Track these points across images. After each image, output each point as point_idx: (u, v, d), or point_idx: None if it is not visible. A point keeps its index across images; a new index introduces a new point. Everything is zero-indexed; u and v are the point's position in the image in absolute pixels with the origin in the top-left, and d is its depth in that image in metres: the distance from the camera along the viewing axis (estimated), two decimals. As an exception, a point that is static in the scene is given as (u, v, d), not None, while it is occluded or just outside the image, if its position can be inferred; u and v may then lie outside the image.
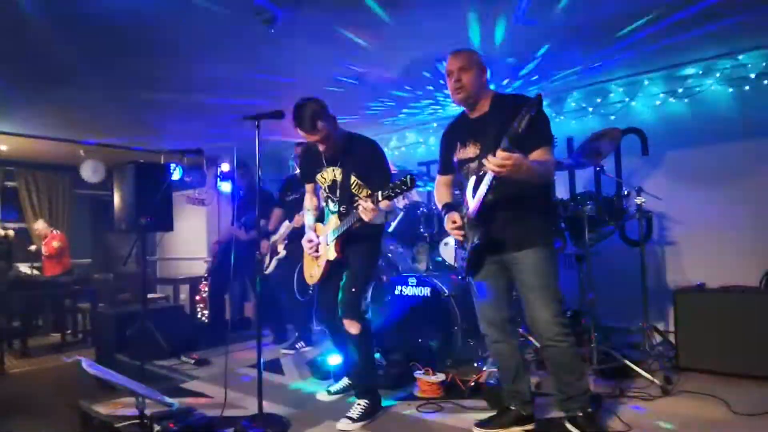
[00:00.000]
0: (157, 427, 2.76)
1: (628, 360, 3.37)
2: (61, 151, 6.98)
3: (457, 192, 2.88)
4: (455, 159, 2.64)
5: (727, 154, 4.28)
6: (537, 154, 2.35)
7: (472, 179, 2.46)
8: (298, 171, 4.87)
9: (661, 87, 4.63)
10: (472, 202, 2.43)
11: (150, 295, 6.80)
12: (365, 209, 2.62)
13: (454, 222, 2.53)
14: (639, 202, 3.84)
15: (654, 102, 4.68)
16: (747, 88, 4.22)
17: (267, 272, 4.84)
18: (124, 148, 6.76)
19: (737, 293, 3.49)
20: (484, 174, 2.31)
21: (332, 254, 2.97)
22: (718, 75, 4.33)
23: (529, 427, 2.63)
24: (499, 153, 2.14)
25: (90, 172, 6.70)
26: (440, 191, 2.84)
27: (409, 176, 2.47)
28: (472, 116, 2.60)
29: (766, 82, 4.13)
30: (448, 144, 2.72)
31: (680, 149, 4.53)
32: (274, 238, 4.84)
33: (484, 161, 2.19)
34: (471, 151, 2.54)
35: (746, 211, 4.17)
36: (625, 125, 4.63)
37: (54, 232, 7.06)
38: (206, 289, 6.39)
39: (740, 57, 4.20)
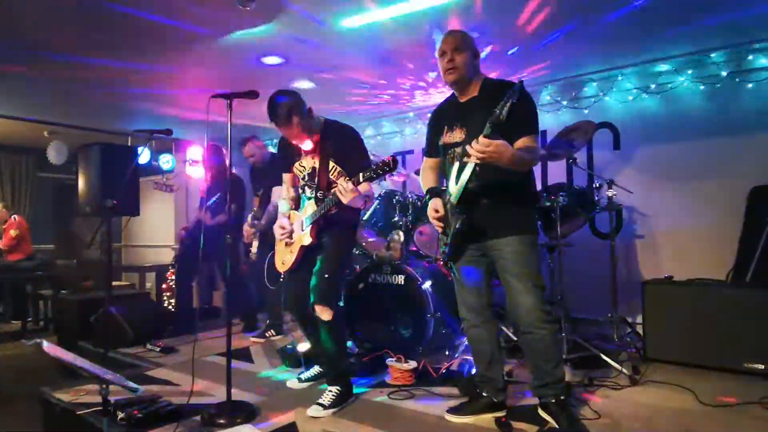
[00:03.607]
0: (121, 414, 2.68)
1: (597, 350, 3.41)
2: (24, 132, 6.72)
3: None
4: (441, 142, 2.61)
5: (697, 151, 4.36)
6: (522, 142, 2.35)
7: (456, 165, 2.44)
8: (251, 161, 4.81)
9: (634, 83, 4.68)
10: (455, 189, 2.41)
11: (115, 283, 6.62)
12: (345, 190, 2.58)
13: (437, 211, 2.51)
14: (610, 195, 3.89)
15: (627, 97, 4.73)
16: (718, 86, 4.29)
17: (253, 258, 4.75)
18: (89, 129, 6.52)
19: (704, 286, 3.54)
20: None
21: (307, 239, 2.91)
22: (690, 72, 4.41)
23: (501, 413, 2.62)
24: (481, 139, 2.13)
25: (54, 152, 6.47)
26: (426, 175, 2.79)
27: (391, 157, 2.44)
28: (461, 100, 2.57)
29: (737, 80, 4.22)
30: (436, 126, 2.68)
31: (651, 145, 4.60)
32: (260, 224, 4.71)
33: (467, 148, 2.17)
34: (457, 135, 2.52)
35: (714, 206, 4.26)
36: (598, 119, 4.67)
37: (13, 218, 6.80)
38: (173, 277, 6.22)
39: (712, 55, 4.26)
